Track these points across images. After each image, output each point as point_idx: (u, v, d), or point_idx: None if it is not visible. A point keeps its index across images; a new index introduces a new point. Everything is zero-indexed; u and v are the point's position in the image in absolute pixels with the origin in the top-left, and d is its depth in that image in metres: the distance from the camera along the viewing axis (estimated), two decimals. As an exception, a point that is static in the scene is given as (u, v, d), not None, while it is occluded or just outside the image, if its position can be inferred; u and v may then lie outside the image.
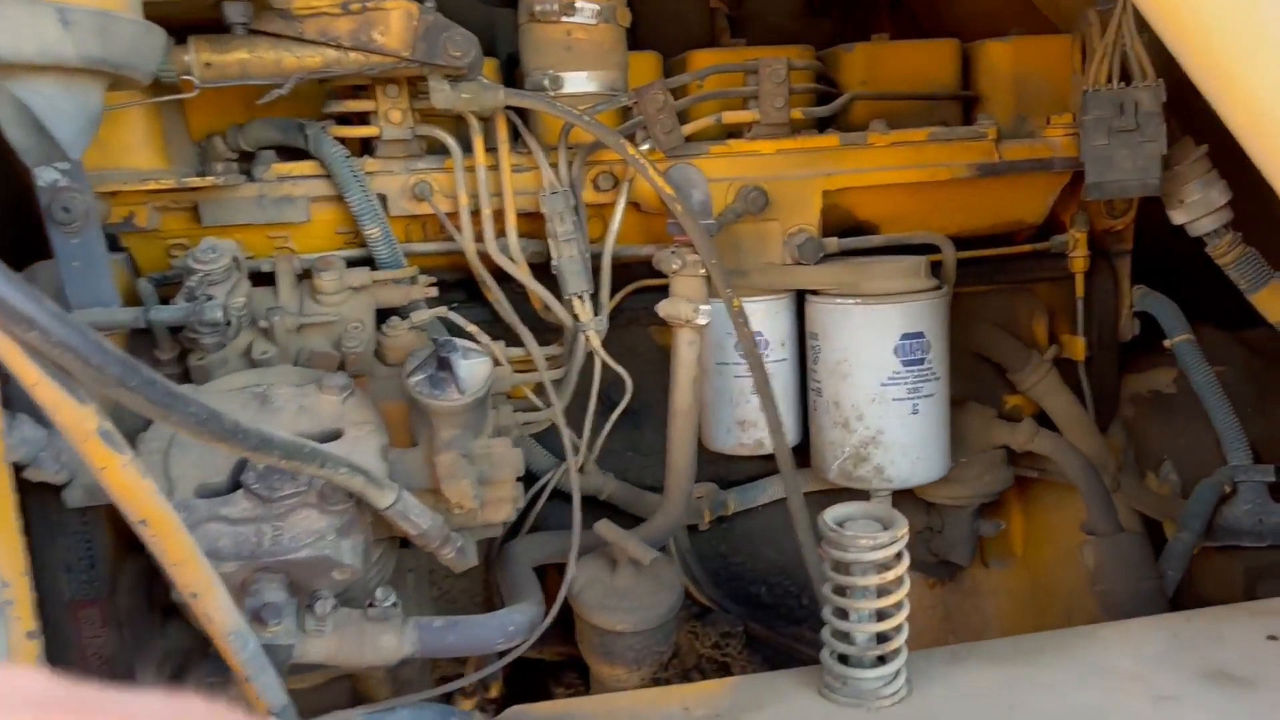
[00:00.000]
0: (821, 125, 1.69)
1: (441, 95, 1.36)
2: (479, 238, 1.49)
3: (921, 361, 1.53)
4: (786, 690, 1.19)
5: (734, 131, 1.62)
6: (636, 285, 1.68)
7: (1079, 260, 1.81)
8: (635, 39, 1.94)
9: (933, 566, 1.91)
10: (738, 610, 1.77)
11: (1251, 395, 1.92)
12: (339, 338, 1.38)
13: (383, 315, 1.43)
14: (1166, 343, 1.81)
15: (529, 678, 1.78)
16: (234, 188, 1.43)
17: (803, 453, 1.73)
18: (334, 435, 1.23)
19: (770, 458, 1.75)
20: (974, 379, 1.83)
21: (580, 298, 1.49)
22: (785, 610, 1.83)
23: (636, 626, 1.33)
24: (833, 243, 1.61)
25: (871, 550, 1.12)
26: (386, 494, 1.12)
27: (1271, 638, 1.22)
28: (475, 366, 1.18)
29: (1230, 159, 1.65)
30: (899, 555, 1.15)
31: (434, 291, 1.47)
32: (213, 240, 1.28)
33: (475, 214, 1.48)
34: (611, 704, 1.17)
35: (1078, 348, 1.86)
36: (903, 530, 1.14)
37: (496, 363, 1.45)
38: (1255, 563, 1.70)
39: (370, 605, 1.16)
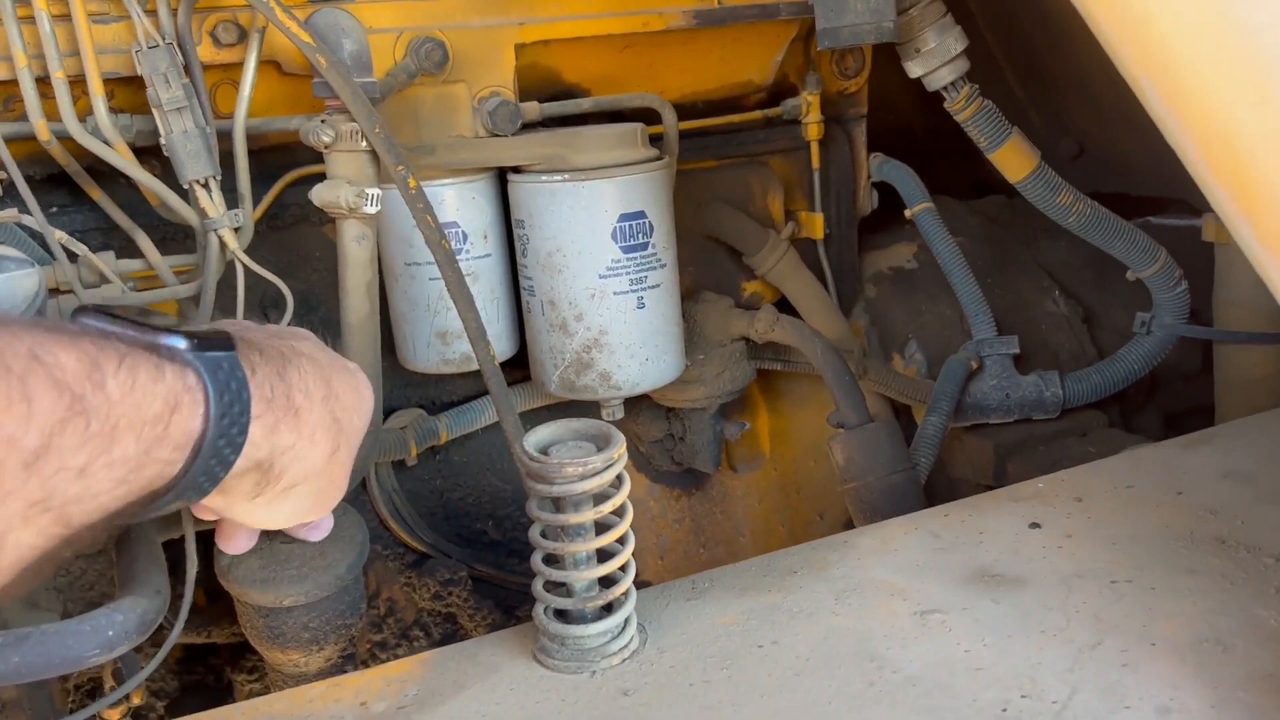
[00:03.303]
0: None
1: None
2: (52, 115, 1.11)
3: (645, 246, 1.30)
4: (492, 661, 0.95)
5: (402, -28, 1.30)
6: (300, 173, 1.36)
7: (813, 126, 1.64)
8: None
9: (677, 477, 1.72)
10: (460, 553, 1.52)
11: (990, 266, 1.84)
12: None
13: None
14: (907, 212, 1.69)
15: (202, 664, 1.46)
16: None
17: (522, 363, 1.48)
18: None
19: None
20: (707, 266, 1.64)
21: (204, 185, 1.14)
22: (516, 545, 1.60)
23: (308, 597, 1.04)
24: (533, 108, 1.34)
25: (583, 479, 0.89)
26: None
27: (1034, 525, 1.10)
28: (14, 281, 0.84)
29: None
30: (619, 480, 0.93)
31: (-5, 189, 1.09)
32: None
33: (44, 82, 1.10)
34: (259, 711, 0.89)
35: (816, 225, 1.70)
36: (619, 449, 0.91)
37: (98, 278, 1.10)
38: (1005, 439, 1.62)
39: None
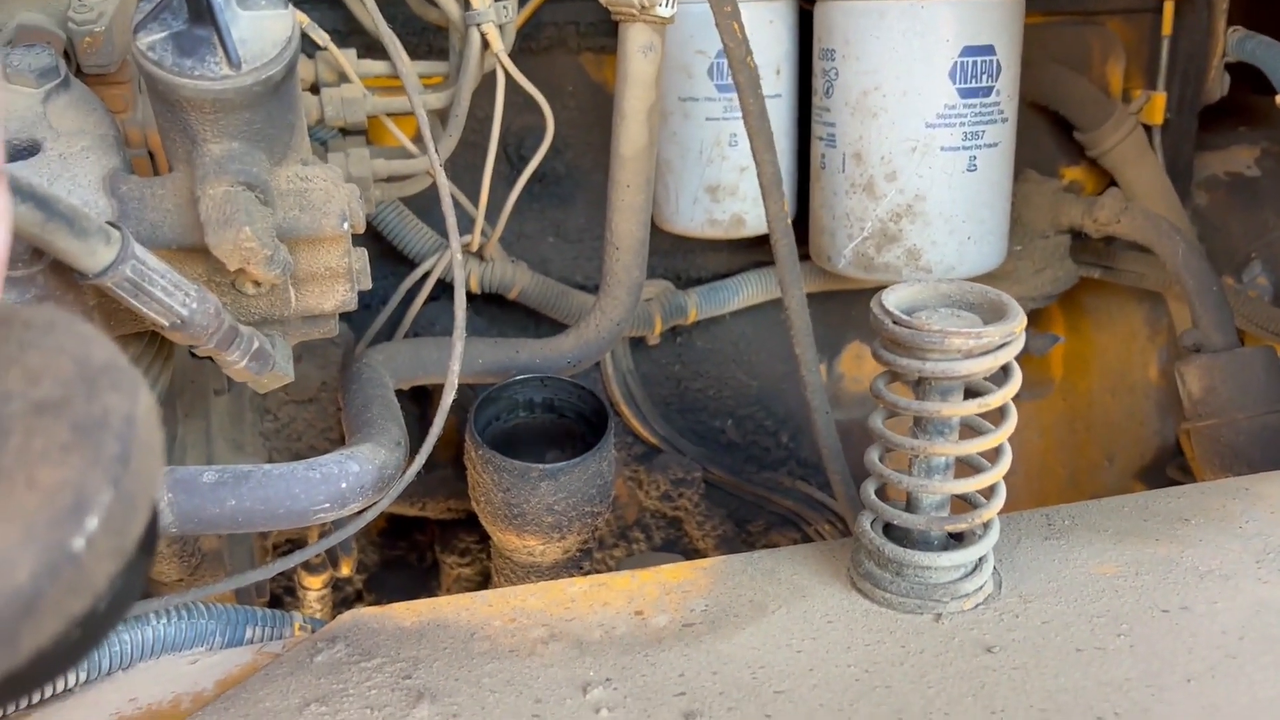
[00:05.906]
0: None
1: None
2: None
3: (988, 92, 1.03)
4: (795, 581, 0.74)
5: None
6: (563, -16, 1.14)
7: (1172, -20, 1.31)
8: None
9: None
10: (695, 450, 1.32)
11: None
12: (67, 5, 0.84)
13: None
14: (1281, 99, 1.34)
15: (407, 539, 1.31)
16: None
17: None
18: (28, 150, 0.71)
19: (748, 245, 1.27)
20: (1023, 140, 1.35)
21: (471, -34, 0.94)
22: (758, 451, 1.38)
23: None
24: (861, -91, 1.07)
25: (969, 357, 0.65)
26: (99, 248, 0.60)
27: None
28: (264, 21, 0.65)
29: None
30: (1005, 372, 0.69)
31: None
32: None
33: None
34: (509, 604, 0.71)
35: (1157, 107, 1.38)
36: (1019, 323, 0.67)
37: (336, 78, 0.92)
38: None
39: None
